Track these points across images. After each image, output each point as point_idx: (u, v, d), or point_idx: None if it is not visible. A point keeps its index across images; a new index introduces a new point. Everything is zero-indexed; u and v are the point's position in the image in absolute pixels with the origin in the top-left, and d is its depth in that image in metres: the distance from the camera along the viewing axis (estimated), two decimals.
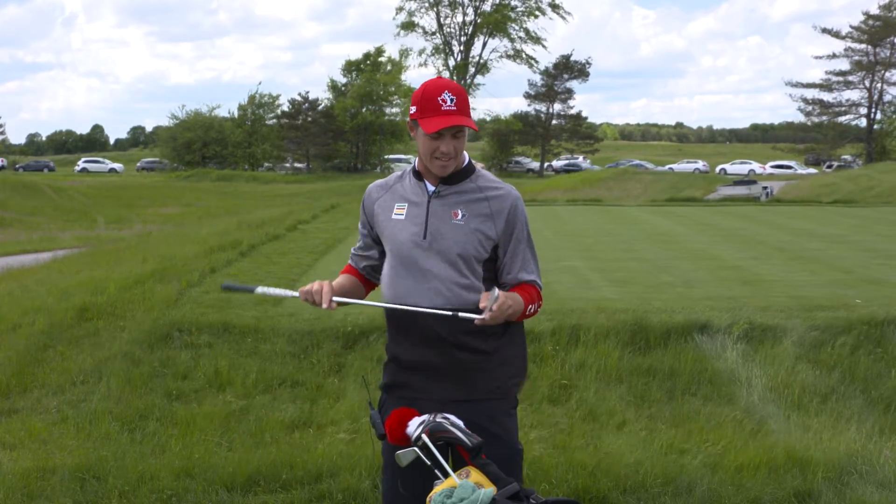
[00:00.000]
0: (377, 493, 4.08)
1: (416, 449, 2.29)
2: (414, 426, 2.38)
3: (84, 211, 35.88)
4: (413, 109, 2.49)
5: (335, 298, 2.52)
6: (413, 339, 2.56)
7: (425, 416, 2.36)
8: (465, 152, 2.61)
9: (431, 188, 2.55)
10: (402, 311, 2.54)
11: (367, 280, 2.76)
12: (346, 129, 62.05)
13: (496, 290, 2.38)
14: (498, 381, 2.57)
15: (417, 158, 2.61)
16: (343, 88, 65.01)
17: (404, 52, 61.45)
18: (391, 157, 65.75)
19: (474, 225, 2.51)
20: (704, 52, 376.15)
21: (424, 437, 2.30)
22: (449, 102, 2.44)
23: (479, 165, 2.72)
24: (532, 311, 2.56)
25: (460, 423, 2.34)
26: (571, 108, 67.33)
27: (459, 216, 2.51)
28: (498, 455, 2.40)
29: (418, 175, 2.60)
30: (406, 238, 2.53)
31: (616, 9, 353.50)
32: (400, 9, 58.76)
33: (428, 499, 2.14)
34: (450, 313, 2.43)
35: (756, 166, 60.93)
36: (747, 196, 31.47)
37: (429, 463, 2.27)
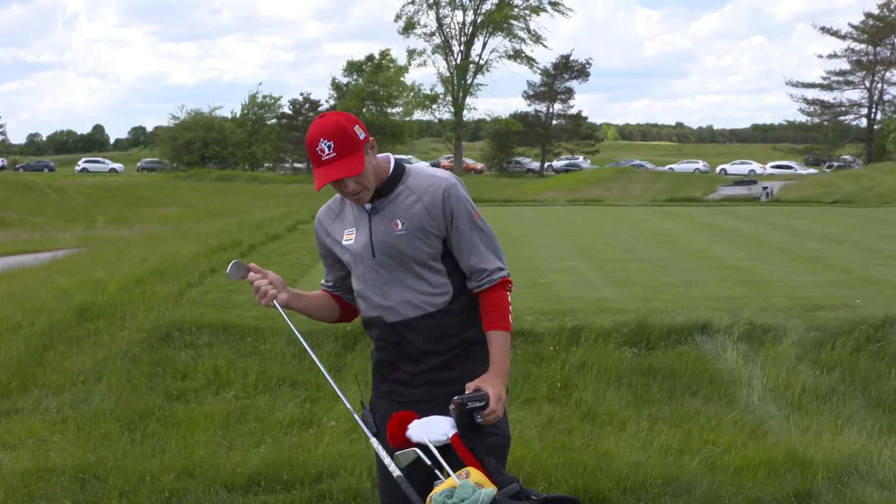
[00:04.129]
0: (377, 494, 4.08)
1: (416, 450, 2.30)
2: (414, 428, 2.38)
3: (84, 211, 35.88)
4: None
5: (277, 301, 2.50)
6: (392, 348, 2.56)
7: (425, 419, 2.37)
8: (388, 156, 2.55)
9: (369, 205, 2.50)
10: (383, 324, 2.54)
11: (344, 302, 2.71)
12: None
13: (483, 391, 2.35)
14: (483, 369, 2.52)
15: None
16: (345, 88, 65.10)
17: (412, 54, 61.43)
18: None
19: (415, 228, 2.46)
20: (707, 52, 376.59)
21: (425, 437, 2.30)
22: (327, 151, 2.35)
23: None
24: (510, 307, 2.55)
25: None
26: (571, 107, 67.53)
27: (400, 226, 2.47)
28: (493, 445, 2.41)
29: None
30: (360, 261, 2.52)
31: (620, 8, 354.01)
32: (399, 16, 58.81)
33: (428, 499, 2.15)
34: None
35: (756, 166, 60.94)
36: (747, 196, 31.52)
37: (429, 463, 2.27)
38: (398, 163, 2.54)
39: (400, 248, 2.47)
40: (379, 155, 2.51)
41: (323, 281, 2.75)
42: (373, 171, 2.43)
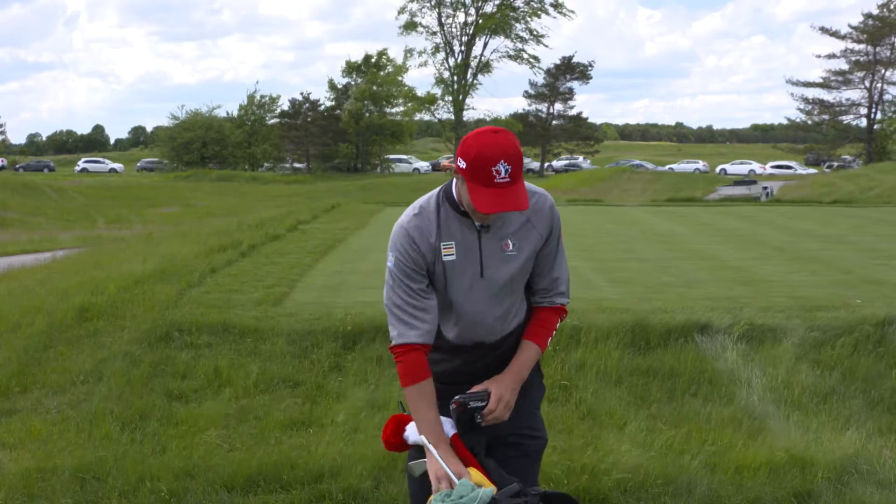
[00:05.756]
0: (377, 494, 4.09)
1: (425, 460, 2.30)
2: (411, 430, 2.38)
3: (84, 211, 35.90)
4: (462, 163, 2.23)
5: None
6: (460, 368, 2.53)
7: None
8: None
9: (478, 223, 2.39)
10: (464, 345, 2.49)
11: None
12: (350, 131, 62.10)
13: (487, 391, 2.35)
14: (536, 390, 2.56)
15: (455, 190, 2.39)
16: (343, 89, 65.05)
17: (408, 53, 61.51)
18: (391, 157, 65.88)
19: (527, 251, 2.43)
20: (708, 52, 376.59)
21: (423, 438, 2.31)
22: (503, 174, 2.19)
23: None
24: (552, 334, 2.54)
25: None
26: (572, 108, 67.54)
27: (511, 247, 2.41)
28: (535, 448, 2.45)
29: (458, 206, 2.40)
30: (464, 280, 2.42)
31: (621, 8, 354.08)
32: (402, 9, 58.78)
33: (428, 500, 2.15)
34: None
35: (756, 166, 60.96)
36: (747, 196, 31.56)
37: None
38: None
39: (509, 269, 2.41)
40: None
41: (414, 334, 2.38)
42: None
